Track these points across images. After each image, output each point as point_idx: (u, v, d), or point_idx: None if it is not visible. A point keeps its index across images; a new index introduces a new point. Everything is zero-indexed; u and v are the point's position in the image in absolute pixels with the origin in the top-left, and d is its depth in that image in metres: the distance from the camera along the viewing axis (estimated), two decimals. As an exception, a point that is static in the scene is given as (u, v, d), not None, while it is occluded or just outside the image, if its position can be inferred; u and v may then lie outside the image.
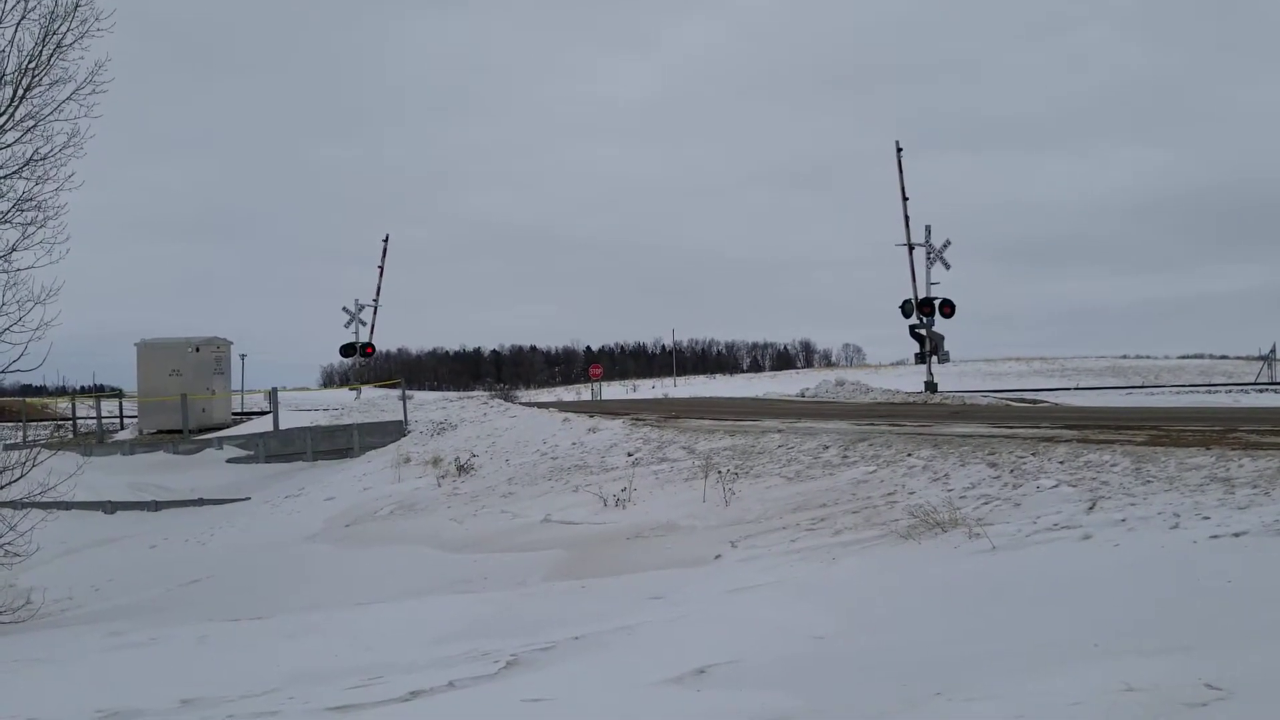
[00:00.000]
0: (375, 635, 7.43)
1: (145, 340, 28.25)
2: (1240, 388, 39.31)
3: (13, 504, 12.75)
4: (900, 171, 31.65)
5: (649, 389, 64.82)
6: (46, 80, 13.05)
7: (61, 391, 35.31)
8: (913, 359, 33.55)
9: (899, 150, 31.96)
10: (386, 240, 38.01)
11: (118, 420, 30.98)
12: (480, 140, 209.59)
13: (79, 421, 32.53)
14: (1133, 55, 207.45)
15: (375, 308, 37.33)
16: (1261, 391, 36.55)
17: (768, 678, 5.11)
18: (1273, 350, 48.33)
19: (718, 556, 9.76)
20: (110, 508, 20.16)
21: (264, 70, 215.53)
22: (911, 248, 31.13)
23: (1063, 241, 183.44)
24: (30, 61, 12.89)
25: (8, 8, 12.66)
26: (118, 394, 33.43)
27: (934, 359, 31.20)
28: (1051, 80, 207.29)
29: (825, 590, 7.41)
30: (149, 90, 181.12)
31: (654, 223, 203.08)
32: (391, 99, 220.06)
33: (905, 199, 31.40)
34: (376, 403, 29.00)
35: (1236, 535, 6.78)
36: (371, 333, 37.43)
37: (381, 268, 37.66)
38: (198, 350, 27.92)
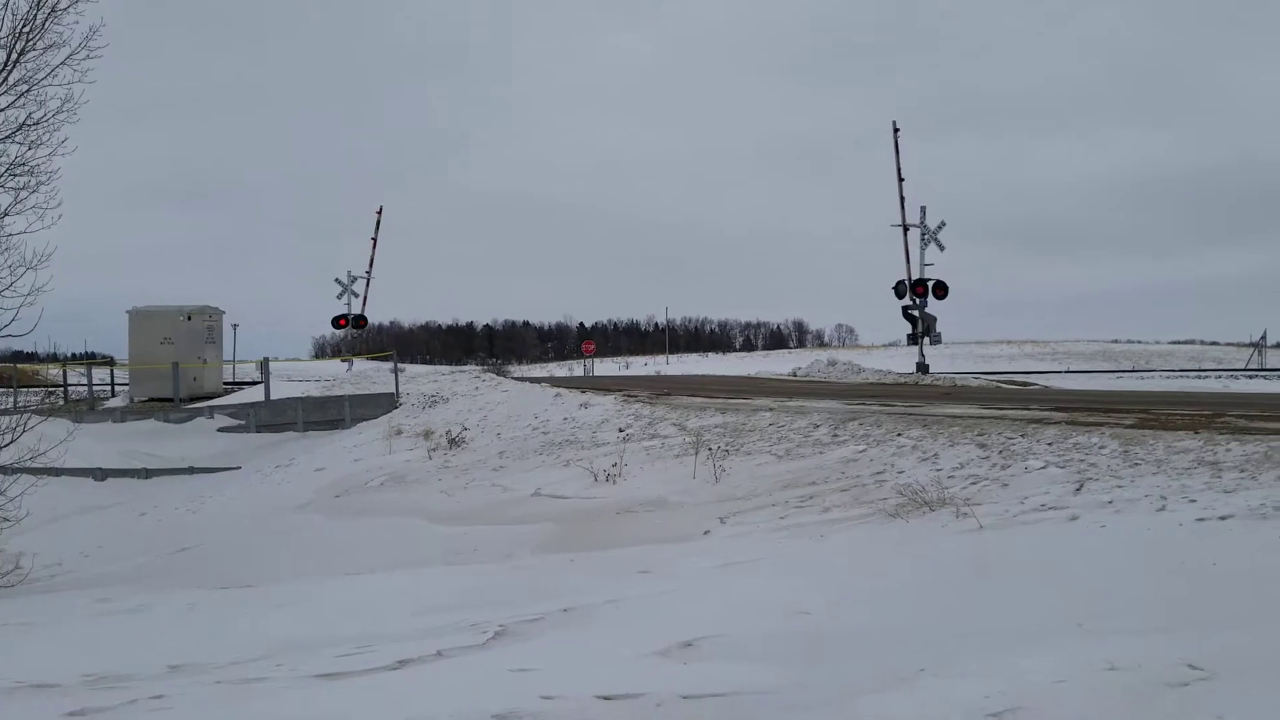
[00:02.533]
0: (364, 605, 7.44)
1: (137, 308, 28.16)
2: (1230, 373, 39.45)
3: (2, 469, 12.75)
4: (897, 152, 31.62)
5: (641, 366, 64.88)
6: (41, 44, 12.95)
7: (53, 358, 35.13)
8: (905, 340, 33.65)
9: (895, 131, 31.91)
10: (380, 212, 37.90)
11: (109, 388, 30.91)
12: (477, 112, 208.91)
13: (70, 388, 32.44)
14: (1140, 34, 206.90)
15: (368, 280, 37.26)
16: (1251, 377, 36.70)
17: (754, 652, 5.13)
18: (1263, 337, 48.54)
19: (707, 532, 9.80)
20: (100, 475, 20.15)
21: (260, 38, 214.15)
22: (906, 229, 31.15)
23: (1059, 224, 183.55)
24: (24, 25, 12.80)
25: (2, -30, 12.55)
26: (109, 361, 33.34)
27: (926, 340, 31.27)
28: (1058, 59, 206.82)
29: (813, 567, 7.44)
30: (144, 56, 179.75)
31: (651, 197, 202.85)
32: (389, 69, 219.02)
33: (901, 180, 31.39)
34: (368, 375, 28.97)
35: (1223, 519, 6.83)
36: (364, 305, 37.39)
37: (375, 240, 37.55)
38: (190, 319, 27.85)
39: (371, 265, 37.41)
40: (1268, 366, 43.84)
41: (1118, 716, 3.62)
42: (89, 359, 34.30)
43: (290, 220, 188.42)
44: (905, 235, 31.13)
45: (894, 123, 32.06)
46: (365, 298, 37.25)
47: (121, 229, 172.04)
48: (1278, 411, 12.87)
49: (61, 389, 32.74)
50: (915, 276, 30.83)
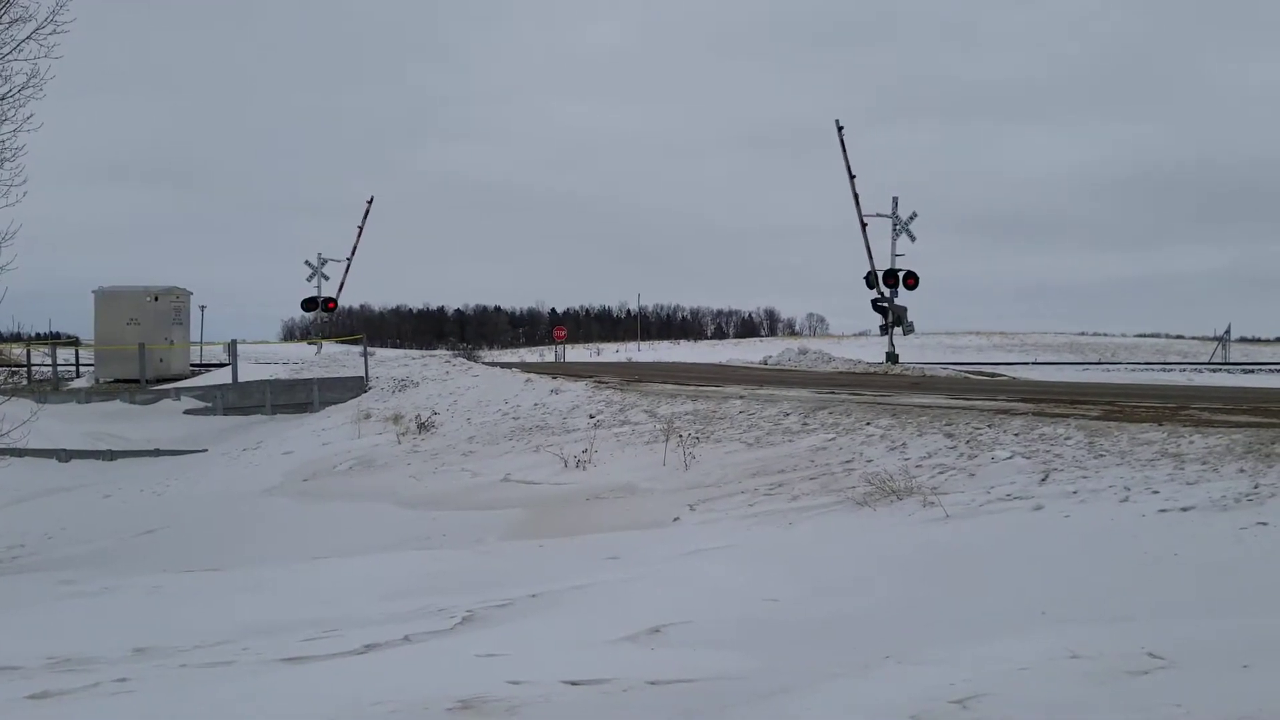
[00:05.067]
0: (331, 589, 7.41)
1: (103, 288, 27.82)
2: (1194, 367, 39.87)
3: (-36, 450, 12.59)
4: (844, 151, 31.55)
5: (613, 353, 64.76)
6: (6, 19, 12.72)
7: (16, 338, 34.57)
8: (876, 329, 33.79)
9: (840, 129, 31.85)
10: (370, 202, 37.36)
11: (74, 368, 30.55)
12: (451, 95, 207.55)
13: (34, 368, 32.00)
14: (1119, 25, 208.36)
15: (348, 266, 36.85)
16: (1215, 371, 37.08)
17: (722, 638, 5.16)
18: (1227, 331, 49.05)
19: (676, 519, 9.82)
20: (64, 456, 19.92)
21: (232, 15, 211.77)
22: (864, 224, 31.17)
23: (1031, 215, 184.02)
24: (-13, -1, 12.56)
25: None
26: (74, 342, 32.94)
27: (898, 330, 31.42)
28: (1038, 48, 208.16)
29: (781, 554, 7.48)
30: (112, 30, 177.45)
31: (622, 183, 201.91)
32: (362, 51, 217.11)
33: (852, 177, 31.30)
34: (337, 358, 28.78)
35: (1184, 510, 6.91)
36: (340, 289, 37.05)
37: (361, 228, 37.05)
38: (156, 299, 27.54)
39: (354, 252, 37.00)
40: (1231, 360, 44.37)
41: (1080, 703, 3.67)
42: (54, 339, 33.83)
43: (259, 201, 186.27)
44: (864, 231, 31.13)
45: (837, 121, 31.98)
46: (343, 282, 36.91)
47: (88, 207, 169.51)
48: (1240, 405, 13.04)
49: (25, 369, 32.33)
50: (886, 266, 30.88)
